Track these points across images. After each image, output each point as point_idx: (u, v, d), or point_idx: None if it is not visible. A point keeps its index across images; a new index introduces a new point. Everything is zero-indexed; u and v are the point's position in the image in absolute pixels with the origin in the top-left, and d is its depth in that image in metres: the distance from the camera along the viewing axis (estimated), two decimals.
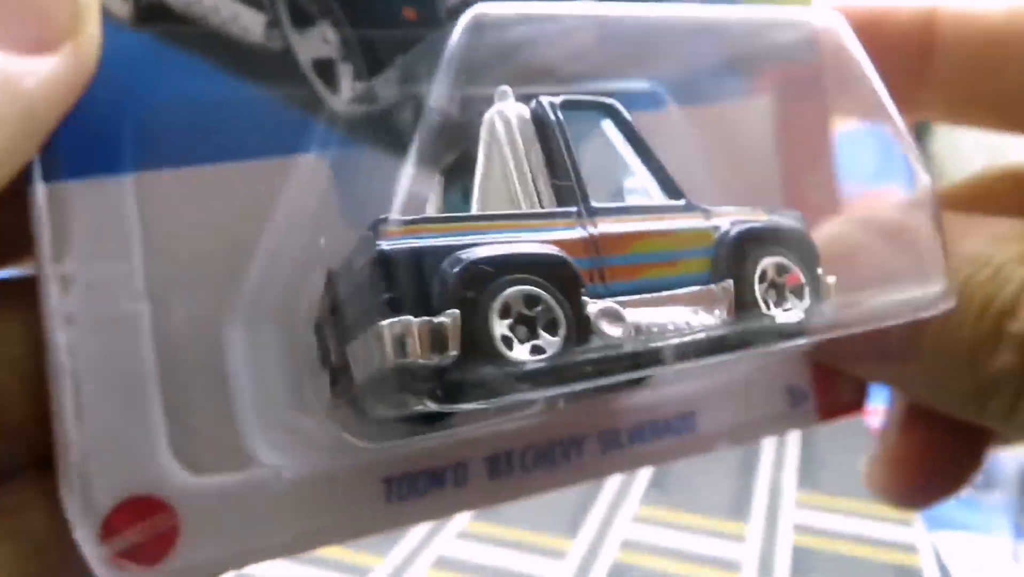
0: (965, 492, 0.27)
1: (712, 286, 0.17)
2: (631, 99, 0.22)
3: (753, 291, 0.17)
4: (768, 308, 0.18)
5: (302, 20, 0.21)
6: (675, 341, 0.16)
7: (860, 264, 0.23)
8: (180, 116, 0.19)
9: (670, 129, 0.24)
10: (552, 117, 0.18)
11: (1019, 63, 0.25)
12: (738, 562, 0.57)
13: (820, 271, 0.19)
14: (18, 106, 0.15)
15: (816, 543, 0.59)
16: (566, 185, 0.18)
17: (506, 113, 0.18)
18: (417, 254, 0.15)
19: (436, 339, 0.14)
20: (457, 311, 0.14)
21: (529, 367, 0.14)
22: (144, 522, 0.16)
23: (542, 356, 0.15)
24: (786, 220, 0.19)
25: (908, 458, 0.27)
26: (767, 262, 0.18)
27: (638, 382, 0.22)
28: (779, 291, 0.18)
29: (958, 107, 0.28)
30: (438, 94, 0.19)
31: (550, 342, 0.15)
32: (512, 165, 0.18)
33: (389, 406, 0.15)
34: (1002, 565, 0.58)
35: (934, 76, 0.27)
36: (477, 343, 0.14)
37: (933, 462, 0.27)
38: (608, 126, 0.19)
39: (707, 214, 0.19)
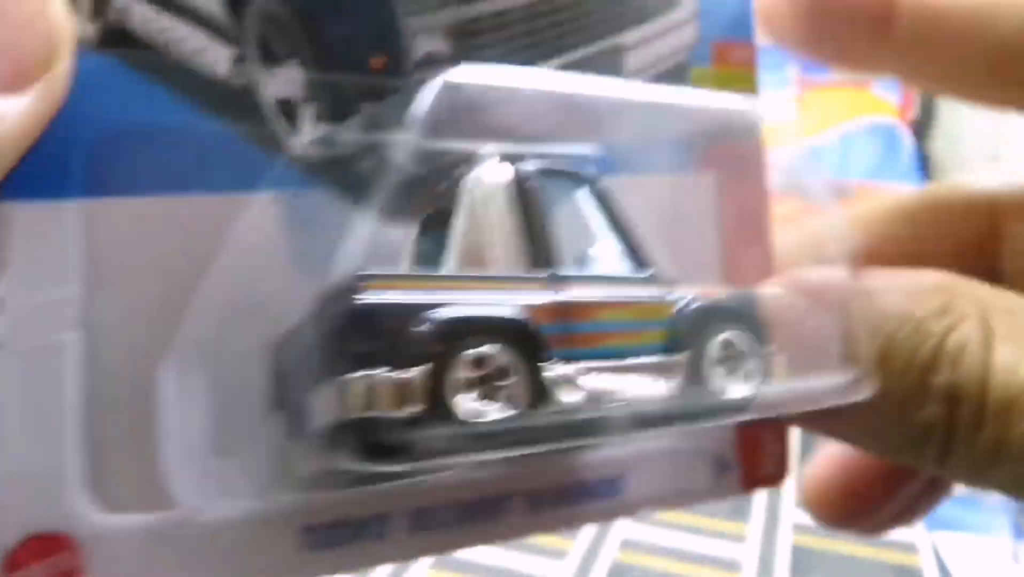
0: (965, 492, 0.28)
1: (668, 358, 0.18)
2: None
3: (706, 365, 0.18)
4: (718, 383, 0.18)
5: (270, 58, 0.21)
6: (628, 411, 0.16)
7: (794, 332, 0.23)
8: (134, 144, 0.18)
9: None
10: (532, 184, 0.19)
11: (971, 36, 0.27)
12: (738, 562, 0.57)
13: (770, 349, 0.19)
14: None
15: (816, 543, 0.59)
16: (539, 251, 0.18)
17: (488, 174, 0.19)
18: (393, 308, 0.15)
19: (401, 394, 0.15)
20: (424, 368, 0.15)
21: (484, 428, 0.15)
22: (48, 559, 0.16)
23: (499, 418, 0.15)
24: (742, 298, 0.20)
25: (851, 479, 0.29)
26: (720, 338, 0.19)
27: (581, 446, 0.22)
28: (730, 367, 0.19)
29: (915, 73, 0.29)
30: (405, 150, 0.19)
31: (508, 405, 0.15)
32: (489, 226, 0.18)
33: (341, 457, 0.15)
34: (1002, 565, 0.59)
35: (894, 41, 0.28)
36: (439, 401, 0.15)
37: (878, 486, 0.29)
38: (584, 194, 0.20)
39: (669, 286, 0.19)
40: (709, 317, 0.19)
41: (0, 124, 0.15)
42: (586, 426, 0.16)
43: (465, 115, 0.18)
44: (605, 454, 0.24)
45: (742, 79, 0.29)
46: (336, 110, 0.22)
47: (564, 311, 0.17)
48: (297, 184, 0.21)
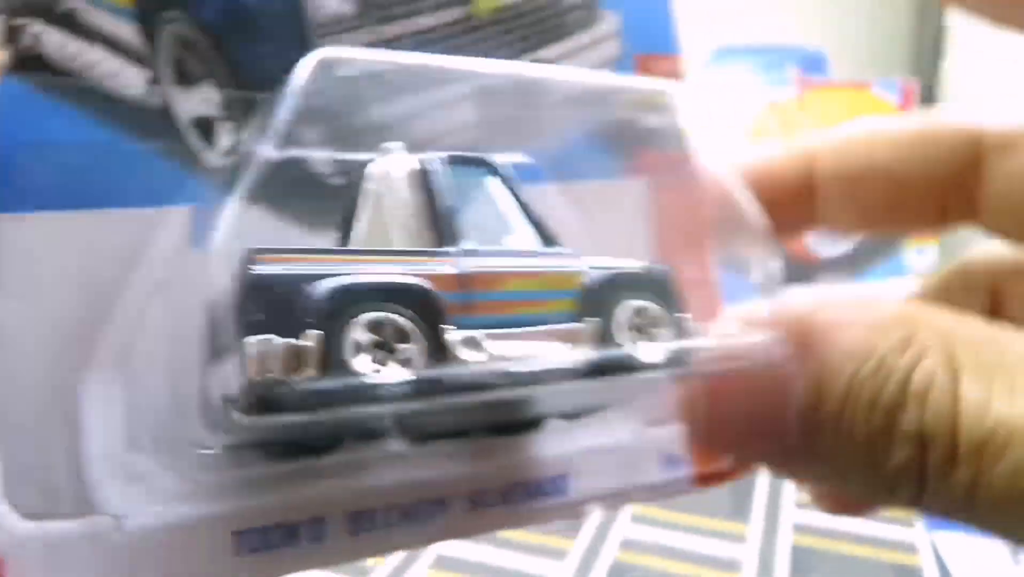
0: None
1: (576, 324, 0.18)
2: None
3: (615, 331, 0.18)
4: (629, 348, 0.18)
5: (185, 79, 0.22)
6: (530, 368, 0.17)
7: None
8: (47, 161, 0.19)
9: (544, 203, 0.25)
10: (436, 168, 0.19)
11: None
12: (738, 562, 0.57)
13: (684, 315, 0.20)
14: None
15: (816, 543, 0.59)
16: (442, 232, 0.19)
17: (392, 163, 0.19)
18: (286, 279, 0.16)
19: (296, 358, 0.15)
20: (319, 333, 0.15)
21: (377, 383, 0.15)
22: None
23: (402, 375, 0.16)
24: (654, 267, 0.21)
25: None
26: (630, 304, 0.19)
27: (521, 432, 0.22)
28: (641, 331, 0.19)
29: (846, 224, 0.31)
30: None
31: (407, 367, 0.16)
32: (392, 209, 0.18)
33: (245, 424, 0.16)
34: (1002, 565, 0.59)
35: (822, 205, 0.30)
36: (334, 365, 0.15)
37: None
38: (491, 182, 0.20)
39: (577, 259, 0.20)
40: (618, 286, 0.19)
41: None
42: (485, 381, 0.16)
43: (344, 98, 0.19)
44: (549, 453, 0.24)
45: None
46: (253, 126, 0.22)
47: (467, 281, 0.17)
48: (214, 197, 0.21)
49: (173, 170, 0.21)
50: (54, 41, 0.20)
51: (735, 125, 0.94)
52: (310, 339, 0.15)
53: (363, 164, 0.22)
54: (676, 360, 0.19)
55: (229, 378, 0.16)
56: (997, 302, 0.30)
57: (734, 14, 1.20)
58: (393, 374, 0.16)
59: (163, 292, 0.19)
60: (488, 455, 0.23)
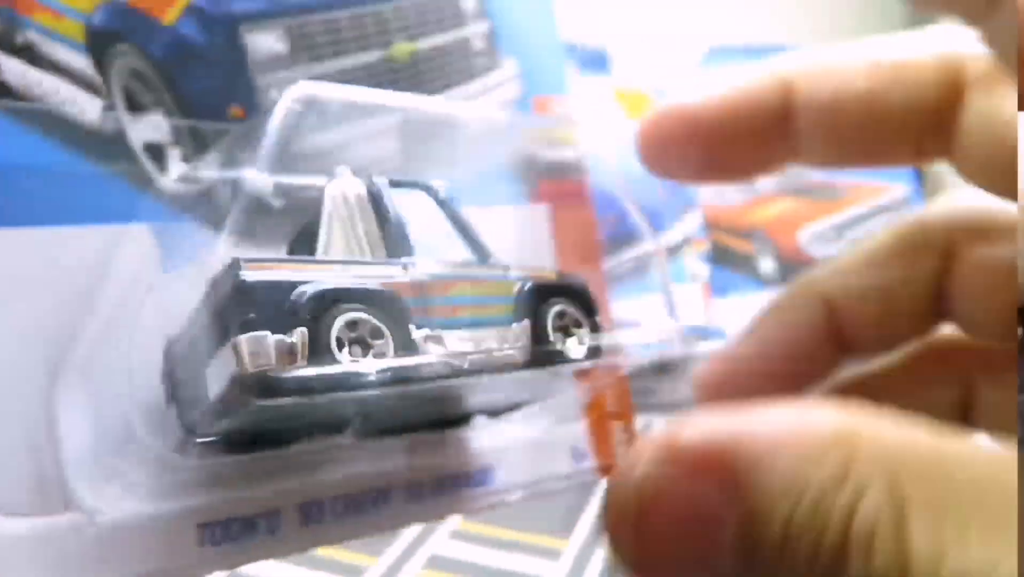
0: None
1: (513, 325, 0.21)
2: None
3: (545, 330, 0.22)
4: (558, 346, 0.22)
5: (136, 107, 0.23)
6: (482, 360, 0.20)
7: None
8: (11, 182, 0.20)
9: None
10: (382, 190, 0.22)
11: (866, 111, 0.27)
12: None
13: (598, 318, 0.23)
14: None
15: None
16: (396, 242, 0.21)
17: (345, 186, 0.22)
18: (273, 283, 0.18)
19: (287, 351, 0.17)
20: (305, 330, 0.17)
21: (365, 371, 0.18)
22: None
23: (377, 364, 0.18)
24: (571, 278, 0.24)
25: (749, 359, 0.31)
26: (555, 309, 0.22)
27: (458, 425, 0.25)
28: (565, 331, 0.22)
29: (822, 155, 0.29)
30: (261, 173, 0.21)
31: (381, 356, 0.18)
32: (351, 226, 0.21)
33: (237, 414, 0.18)
34: None
35: (798, 135, 0.28)
36: (320, 357, 0.17)
37: (772, 363, 0.30)
38: (428, 202, 0.23)
39: (508, 270, 0.23)
40: (544, 293, 0.22)
41: None
42: (448, 370, 0.19)
43: (316, 131, 0.21)
44: (475, 446, 0.27)
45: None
46: (200, 152, 0.24)
47: (422, 287, 0.20)
48: (167, 217, 0.23)
49: (129, 191, 0.22)
50: (12, 70, 0.21)
51: None
52: (298, 335, 0.17)
53: (302, 188, 0.24)
54: (593, 354, 0.22)
55: (221, 373, 0.17)
56: (947, 266, 0.29)
57: (726, 14, 1.23)
58: (371, 364, 0.18)
59: (135, 304, 0.20)
60: (423, 449, 0.25)
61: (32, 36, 0.22)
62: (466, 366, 0.19)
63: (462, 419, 0.26)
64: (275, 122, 0.19)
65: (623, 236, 0.38)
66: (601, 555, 0.55)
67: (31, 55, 0.22)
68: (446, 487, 0.26)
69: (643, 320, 0.25)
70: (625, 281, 0.37)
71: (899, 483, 0.17)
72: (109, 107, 0.23)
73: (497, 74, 0.35)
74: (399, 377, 0.18)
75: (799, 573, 0.18)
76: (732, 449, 0.19)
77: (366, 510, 0.24)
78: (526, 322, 0.21)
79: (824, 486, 0.18)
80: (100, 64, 0.23)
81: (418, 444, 0.25)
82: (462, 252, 0.23)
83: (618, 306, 0.29)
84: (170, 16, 0.25)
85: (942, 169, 0.28)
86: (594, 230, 0.33)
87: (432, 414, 0.24)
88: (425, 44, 0.32)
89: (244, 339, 0.17)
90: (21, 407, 0.19)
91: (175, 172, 0.24)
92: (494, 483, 0.27)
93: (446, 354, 0.19)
